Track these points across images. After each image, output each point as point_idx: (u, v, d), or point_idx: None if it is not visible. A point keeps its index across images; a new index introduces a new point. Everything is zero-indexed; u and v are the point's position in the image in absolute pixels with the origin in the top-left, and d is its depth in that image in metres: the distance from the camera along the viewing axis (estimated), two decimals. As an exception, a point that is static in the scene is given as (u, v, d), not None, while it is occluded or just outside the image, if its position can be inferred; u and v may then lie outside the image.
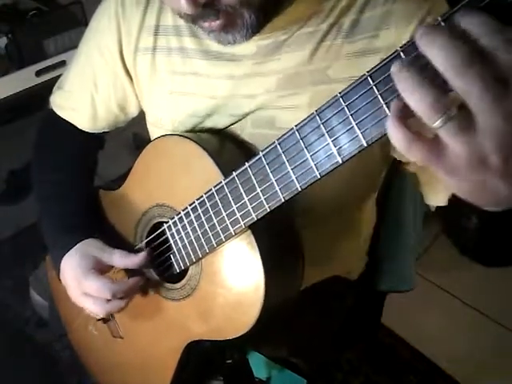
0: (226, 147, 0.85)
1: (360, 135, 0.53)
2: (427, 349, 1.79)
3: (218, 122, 0.87)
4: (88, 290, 0.88)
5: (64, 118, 1.05)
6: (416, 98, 0.44)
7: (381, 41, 0.75)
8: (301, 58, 0.79)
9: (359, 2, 0.77)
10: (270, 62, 0.81)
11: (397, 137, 0.46)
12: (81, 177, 1.06)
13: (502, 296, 1.92)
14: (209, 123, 0.88)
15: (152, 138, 0.99)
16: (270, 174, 0.65)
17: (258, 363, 1.02)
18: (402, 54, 0.47)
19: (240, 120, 0.85)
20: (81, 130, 1.05)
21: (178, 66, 0.88)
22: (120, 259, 0.89)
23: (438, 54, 0.42)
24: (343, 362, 1.74)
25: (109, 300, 0.87)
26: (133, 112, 1.03)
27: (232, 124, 0.86)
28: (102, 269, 0.90)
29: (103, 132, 1.07)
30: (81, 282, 0.88)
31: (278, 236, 0.80)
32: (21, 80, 1.69)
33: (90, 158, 1.11)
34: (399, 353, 1.80)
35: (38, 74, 1.71)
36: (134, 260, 0.88)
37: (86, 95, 1.01)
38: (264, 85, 0.82)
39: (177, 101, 0.90)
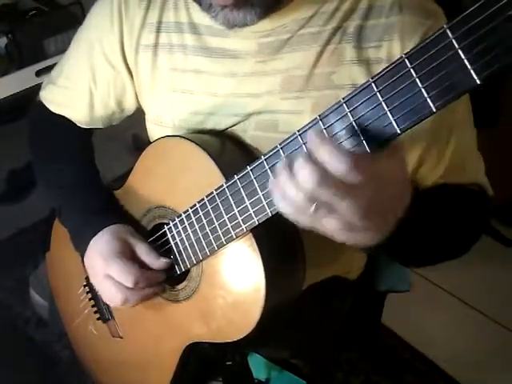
0: (228, 149, 0.85)
1: (364, 141, 0.53)
2: (427, 349, 1.79)
3: (221, 121, 0.87)
4: (112, 271, 0.86)
5: (59, 113, 1.04)
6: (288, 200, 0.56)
7: (383, 52, 0.76)
8: (304, 60, 0.79)
9: (362, 7, 0.77)
10: (274, 61, 0.81)
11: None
12: (88, 167, 1.05)
13: (502, 296, 1.92)
14: (211, 122, 0.88)
15: (151, 137, 0.98)
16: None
17: (257, 364, 1.02)
18: (406, 60, 0.47)
19: (243, 121, 0.85)
20: (73, 123, 1.04)
21: (179, 63, 0.88)
22: (143, 252, 0.88)
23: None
24: (343, 361, 1.74)
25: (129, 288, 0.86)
26: (129, 109, 1.03)
27: (234, 125, 0.86)
28: (128, 255, 0.88)
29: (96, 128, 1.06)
30: (106, 262, 0.86)
31: (279, 238, 0.80)
32: (21, 80, 1.68)
33: (88, 147, 1.09)
34: (399, 353, 1.80)
35: (38, 74, 1.70)
36: (153, 260, 0.87)
37: (83, 91, 1.00)
38: (267, 84, 0.82)
39: (177, 98, 0.90)
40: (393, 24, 0.75)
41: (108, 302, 0.93)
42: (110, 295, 0.88)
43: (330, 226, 0.57)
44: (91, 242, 0.91)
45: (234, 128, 0.86)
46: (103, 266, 0.87)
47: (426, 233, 0.78)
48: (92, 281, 0.92)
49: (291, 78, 0.80)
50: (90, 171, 1.04)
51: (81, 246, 0.94)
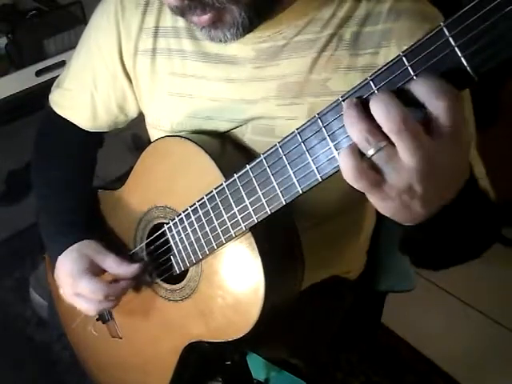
0: (227, 149, 0.85)
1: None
2: (427, 349, 1.79)
3: (218, 126, 0.87)
4: (81, 290, 0.88)
5: (63, 116, 1.05)
6: (355, 130, 0.52)
7: (381, 58, 0.75)
8: (301, 67, 0.79)
9: (358, 14, 0.77)
10: (270, 67, 0.81)
11: (348, 167, 0.52)
12: (80, 176, 1.06)
13: (502, 296, 1.92)
14: (208, 127, 0.88)
15: (151, 140, 0.99)
16: (271, 177, 0.65)
17: (256, 365, 1.02)
18: (404, 58, 0.47)
19: (240, 126, 0.85)
20: (80, 128, 1.05)
21: (178, 67, 0.88)
22: (112, 266, 0.90)
23: (379, 114, 0.50)
24: (343, 362, 1.74)
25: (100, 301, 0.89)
26: (133, 113, 1.03)
27: (232, 129, 0.86)
28: (96, 271, 0.91)
29: (102, 132, 1.07)
30: (75, 281, 0.89)
31: (278, 237, 0.80)
32: (21, 80, 1.68)
33: (89, 156, 1.10)
34: (399, 353, 1.80)
35: (38, 74, 1.70)
36: (125, 270, 0.89)
37: (85, 94, 1.00)
38: (264, 90, 0.82)
39: (176, 102, 0.90)
40: (390, 30, 0.75)
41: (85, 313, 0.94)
42: (83, 309, 0.91)
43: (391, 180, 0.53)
44: (58, 261, 0.93)
45: (232, 131, 0.86)
46: (71, 286, 0.90)
47: (450, 230, 0.75)
48: (63, 297, 0.94)
49: (287, 84, 0.80)
50: (76, 180, 1.05)
51: (52, 260, 0.96)
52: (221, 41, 0.76)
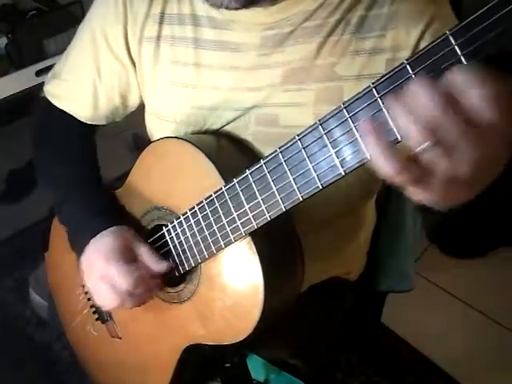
0: (228, 151, 0.84)
1: (364, 148, 0.53)
2: (427, 349, 1.79)
3: (222, 116, 0.86)
4: (112, 272, 0.83)
5: (62, 108, 1.02)
6: (412, 117, 0.46)
7: (387, 41, 0.75)
8: (307, 52, 0.79)
9: None
10: (275, 54, 0.80)
11: (387, 167, 0.48)
12: (90, 166, 1.04)
13: (502, 296, 1.92)
14: (212, 117, 0.87)
15: (150, 130, 0.98)
16: (272, 183, 0.64)
17: (256, 366, 1.02)
18: (408, 66, 0.47)
19: (243, 115, 0.84)
20: (78, 120, 1.02)
21: (181, 55, 0.87)
22: (146, 254, 0.86)
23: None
24: (343, 362, 1.74)
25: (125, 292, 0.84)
26: (133, 105, 1.01)
27: (235, 119, 0.85)
28: (129, 257, 0.86)
29: (99, 125, 1.05)
30: (109, 261, 0.84)
31: (278, 241, 0.80)
32: (21, 80, 1.68)
33: (90, 146, 1.08)
34: (399, 353, 1.80)
35: (38, 74, 1.71)
36: (157, 262, 0.85)
37: (87, 84, 0.98)
38: (269, 77, 0.81)
39: (178, 92, 0.89)
40: (396, 12, 0.75)
41: (100, 305, 0.89)
42: (105, 297, 0.86)
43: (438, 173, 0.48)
44: (90, 243, 0.89)
45: (235, 124, 0.86)
46: (103, 266, 0.85)
47: (489, 210, 0.69)
48: (87, 281, 0.89)
49: (293, 71, 0.80)
50: (90, 171, 1.03)
51: (78, 246, 0.92)
52: (222, 4, 0.74)
